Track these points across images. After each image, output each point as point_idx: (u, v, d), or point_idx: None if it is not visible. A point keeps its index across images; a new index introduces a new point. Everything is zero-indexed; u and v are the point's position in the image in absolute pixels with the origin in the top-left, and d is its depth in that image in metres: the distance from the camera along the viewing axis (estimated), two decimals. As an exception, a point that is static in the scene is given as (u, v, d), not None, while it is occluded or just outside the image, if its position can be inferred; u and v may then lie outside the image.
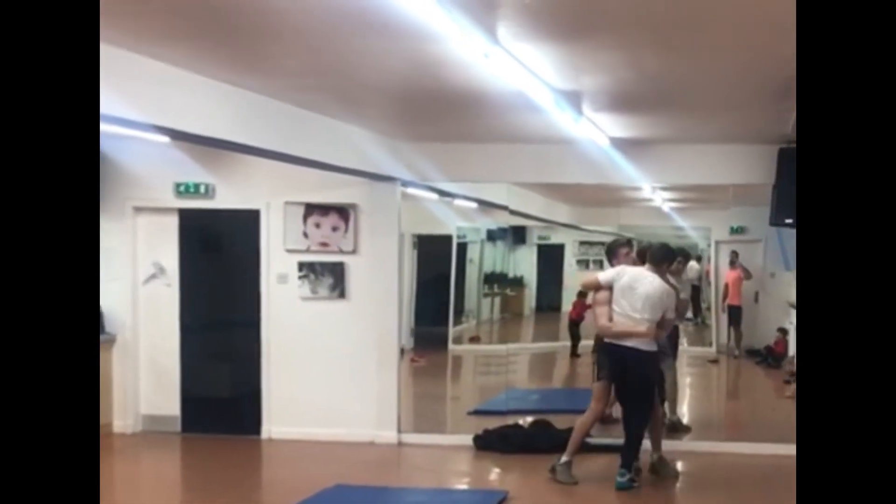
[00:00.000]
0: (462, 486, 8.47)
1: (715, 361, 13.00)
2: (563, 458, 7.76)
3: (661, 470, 8.00)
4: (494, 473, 8.59)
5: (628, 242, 8.42)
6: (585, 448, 8.22)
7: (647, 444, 7.85)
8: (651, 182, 9.92)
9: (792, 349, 11.77)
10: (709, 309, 13.55)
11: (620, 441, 7.80)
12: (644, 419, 7.65)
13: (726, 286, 12.53)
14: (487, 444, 8.86)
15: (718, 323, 12.88)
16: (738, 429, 8.26)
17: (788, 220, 8.87)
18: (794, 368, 11.22)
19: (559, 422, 9.06)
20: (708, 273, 13.67)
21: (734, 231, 11.83)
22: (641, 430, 7.64)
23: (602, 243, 13.02)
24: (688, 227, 13.87)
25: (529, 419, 9.52)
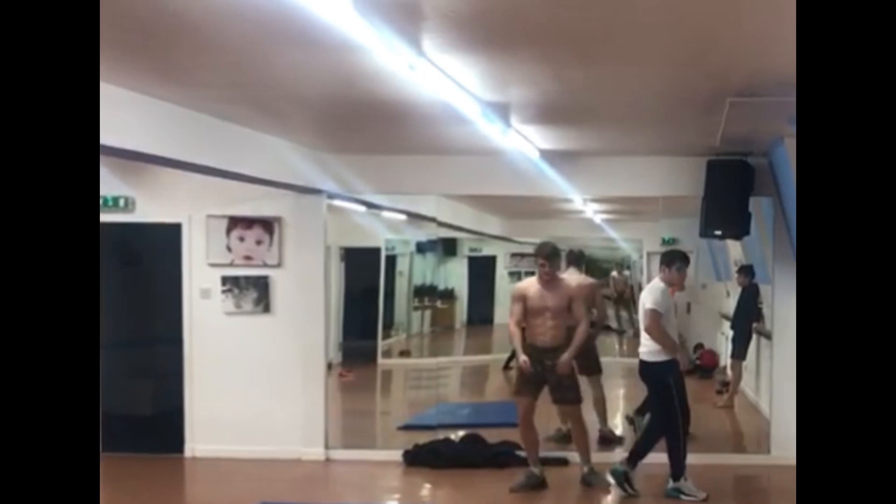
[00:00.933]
0: (392, 502, 8.39)
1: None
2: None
3: (593, 481, 7.96)
4: (425, 489, 8.51)
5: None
6: (516, 461, 8.26)
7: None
8: (581, 194, 9.94)
9: (723, 360, 11.84)
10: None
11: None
12: (669, 427, 7.70)
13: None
14: (418, 459, 8.77)
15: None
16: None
17: (717, 232, 8.92)
18: (726, 378, 11.32)
19: (490, 436, 9.02)
20: (640, 285, 13.73)
21: (665, 242, 11.87)
22: (673, 438, 7.69)
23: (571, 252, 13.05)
24: (619, 239, 13.94)
25: (461, 433, 9.44)
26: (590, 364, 9.48)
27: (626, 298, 15.38)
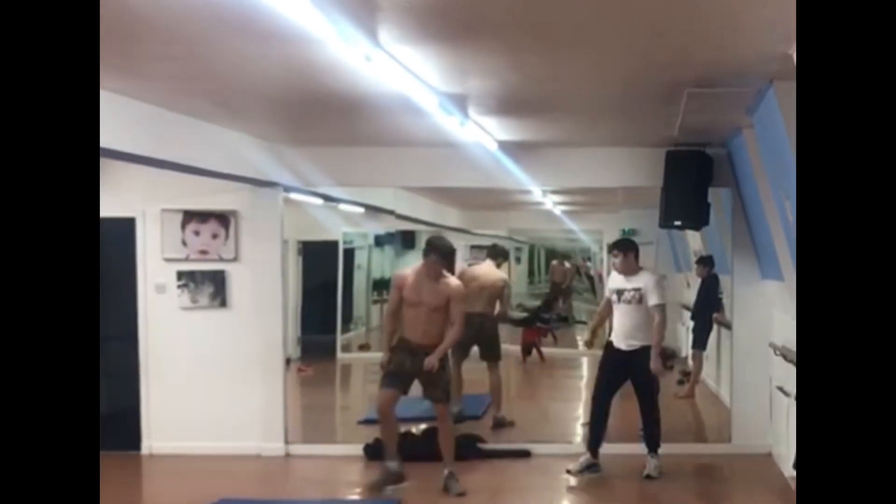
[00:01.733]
0: (353, 496, 8.31)
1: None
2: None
3: (451, 486, 7.66)
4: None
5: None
6: (477, 454, 8.35)
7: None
8: (540, 185, 9.93)
9: (684, 350, 11.87)
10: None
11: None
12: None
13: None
14: (378, 453, 8.68)
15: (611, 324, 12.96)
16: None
17: (677, 223, 8.94)
18: (686, 368, 11.34)
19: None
20: (600, 275, 13.77)
21: (625, 233, 11.88)
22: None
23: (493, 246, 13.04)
24: (579, 231, 13.94)
25: (422, 427, 9.40)
26: (491, 352, 9.80)
27: (565, 288, 15.50)
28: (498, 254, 10.24)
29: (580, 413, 9.87)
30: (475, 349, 9.79)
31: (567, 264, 15.62)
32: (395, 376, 7.57)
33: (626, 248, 8.09)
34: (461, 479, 7.63)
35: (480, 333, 9.63)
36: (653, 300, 7.85)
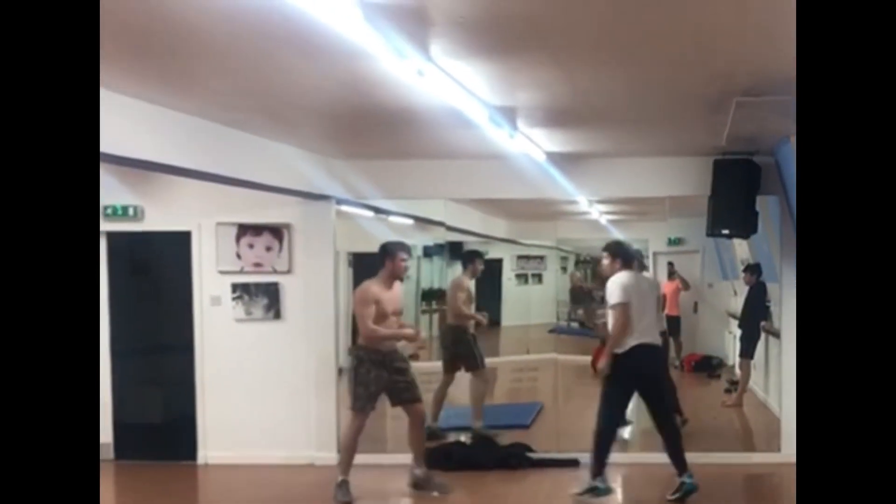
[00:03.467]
0: (403, 505, 8.39)
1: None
2: (340, 477, 7.77)
3: (426, 485, 7.97)
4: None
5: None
6: (527, 463, 8.30)
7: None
8: (587, 196, 9.96)
9: (731, 359, 11.83)
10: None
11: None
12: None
13: (664, 297, 12.57)
14: (429, 461, 8.76)
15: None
16: (684, 438, 8.30)
17: (724, 231, 8.94)
18: (734, 377, 11.31)
19: (500, 437, 9.06)
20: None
21: (672, 242, 11.89)
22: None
23: (540, 257, 13.04)
24: (625, 239, 13.90)
25: (471, 436, 9.48)
26: (469, 361, 9.81)
27: (582, 295, 15.41)
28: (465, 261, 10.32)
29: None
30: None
31: (578, 273, 15.53)
32: (373, 397, 7.79)
33: (614, 252, 7.84)
34: (510, 488, 7.66)
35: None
36: (610, 300, 7.56)
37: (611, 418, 7.63)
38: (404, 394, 7.82)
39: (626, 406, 7.99)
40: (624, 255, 7.76)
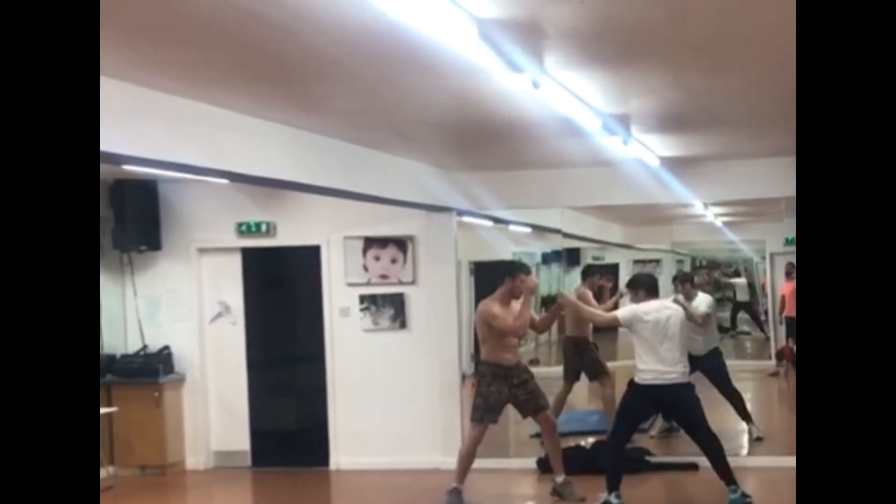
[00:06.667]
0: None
1: (775, 374, 12.98)
2: (453, 485, 7.90)
3: (567, 495, 8.01)
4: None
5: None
6: (647, 467, 8.41)
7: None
8: (702, 199, 9.97)
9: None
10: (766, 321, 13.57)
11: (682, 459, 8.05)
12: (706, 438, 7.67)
13: (783, 298, 12.48)
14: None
15: (776, 335, 12.84)
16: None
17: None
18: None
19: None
20: (763, 285, 13.63)
21: (789, 242, 11.77)
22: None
23: (656, 261, 13.04)
24: (741, 241, 13.82)
25: (591, 440, 9.56)
26: (592, 370, 9.94)
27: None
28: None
29: (743, 426, 9.79)
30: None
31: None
32: (495, 410, 7.98)
33: (635, 285, 7.91)
34: (628, 493, 7.73)
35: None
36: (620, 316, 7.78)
37: (618, 436, 7.80)
38: (528, 405, 7.96)
39: (634, 429, 8.05)
40: (646, 286, 7.85)
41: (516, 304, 7.78)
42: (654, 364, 7.44)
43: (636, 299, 7.74)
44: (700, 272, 13.57)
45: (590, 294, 9.97)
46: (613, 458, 7.70)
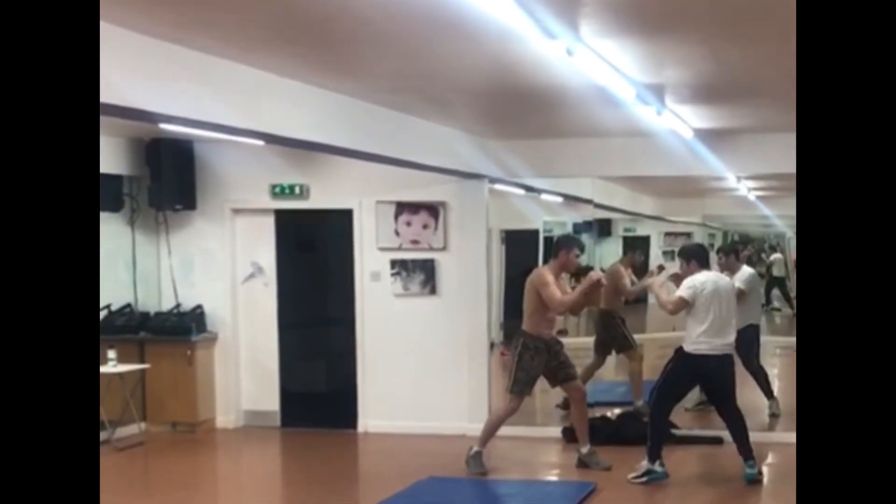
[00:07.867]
0: (552, 477, 8.59)
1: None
2: (475, 448, 7.98)
3: (592, 464, 8.06)
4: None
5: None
6: (672, 440, 8.40)
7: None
8: (736, 172, 9.92)
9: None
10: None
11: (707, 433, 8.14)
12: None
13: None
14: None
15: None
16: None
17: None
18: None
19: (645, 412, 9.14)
20: (794, 261, 13.57)
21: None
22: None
23: (687, 234, 13.00)
24: (774, 216, 13.73)
25: (617, 411, 9.61)
26: (620, 343, 9.99)
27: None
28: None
29: (765, 403, 9.79)
30: None
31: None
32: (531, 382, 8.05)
33: (688, 255, 7.97)
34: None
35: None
36: (678, 292, 7.76)
37: (662, 406, 7.79)
38: (558, 374, 8.02)
39: (679, 399, 8.06)
40: (698, 257, 7.88)
41: (563, 283, 7.87)
42: (708, 335, 7.50)
43: (687, 270, 7.78)
44: (747, 246, 13.53)
45: (624, 272, 10.00)
46: (656, 427, 7.74)
